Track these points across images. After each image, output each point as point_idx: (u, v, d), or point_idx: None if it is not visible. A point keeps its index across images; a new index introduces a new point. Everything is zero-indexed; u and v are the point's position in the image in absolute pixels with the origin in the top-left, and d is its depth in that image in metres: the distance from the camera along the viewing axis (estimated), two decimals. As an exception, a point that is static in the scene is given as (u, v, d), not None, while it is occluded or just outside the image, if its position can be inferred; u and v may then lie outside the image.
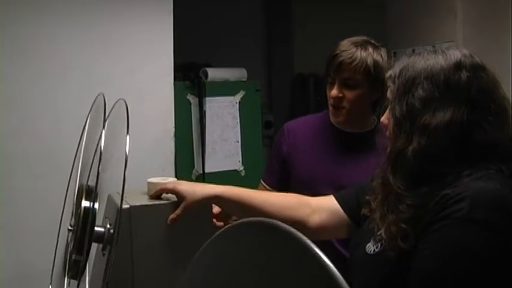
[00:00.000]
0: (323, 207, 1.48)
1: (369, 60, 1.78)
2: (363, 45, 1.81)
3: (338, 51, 1.80)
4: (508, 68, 2.78)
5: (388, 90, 1.23)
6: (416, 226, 1.08)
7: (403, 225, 1.09)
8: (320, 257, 0.62)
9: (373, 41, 1.85)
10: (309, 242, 0.65)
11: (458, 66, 1.15)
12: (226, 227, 0.79)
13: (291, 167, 1.95)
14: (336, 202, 1.48)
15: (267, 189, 1.99)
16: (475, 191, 1.03)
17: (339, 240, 1.68)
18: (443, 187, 1.07)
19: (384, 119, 1.27)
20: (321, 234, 1.47)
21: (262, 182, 2.04)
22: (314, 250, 0.63)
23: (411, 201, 1.10)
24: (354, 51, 1.79)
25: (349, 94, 1.81)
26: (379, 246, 1.16)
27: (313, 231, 1.44)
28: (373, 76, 1.79)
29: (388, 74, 1.23)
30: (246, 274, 0.72)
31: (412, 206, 1.09)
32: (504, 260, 1.00)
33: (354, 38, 1.85)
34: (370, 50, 1.80)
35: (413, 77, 1.16)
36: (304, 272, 0.64)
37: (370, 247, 1.19)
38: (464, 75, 1.13)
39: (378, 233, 1.16)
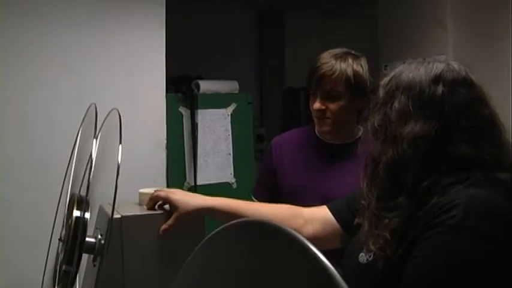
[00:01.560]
0: (316, 217, 1.48)
1: (349, 71, 1.80)
2: (342, 57, 1.84)
3: (318, 64, 1.83)
4: (499, 79, 2.79)
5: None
6: (405, 236, 1.08)
7: (390, 238, 1.09)
8: (319, 258, 0.61)
9: (353, 52, 1.88)
10: (303, 239, 0.65)
11: (436, 80, 1.15)
12: (218, 228, 0.78)
13: (278, 179, 1.97)
14: (329, 212, 1.47)
15: None
16: (467, 198, 1.03)
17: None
18: (425, 196, 1.07)
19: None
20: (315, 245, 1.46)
21: (253, 198, 2.06)
22: (312, 249, 0.63)
23: (394, 215, 1.10)
24: (334, 63, 1.81)
25: (332, 105, 1.83)
26: (372, 255, 1.15)
27: (306, 241, 1.43)
28: (354, 86, 1.81)
29: (382, 81, 1.24)
30: (241, 275, 0.71)
31: (396, 219, 1.09)
32: (498, 267, 1.00)
33: (334, 50, 1.87)
34: (350, 61, 1.83)
35: (395, 88, 1.18)
36: (299, 271, 0.64)
37: (363, 256, 1.18)
38: (439, 89, 1.14)
39: (371, 242, 1.16)
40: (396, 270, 1.07)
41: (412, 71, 1.19)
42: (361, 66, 1.85)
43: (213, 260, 0.77)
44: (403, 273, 1.05)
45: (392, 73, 1.23)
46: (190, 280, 0.81)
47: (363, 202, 1.22)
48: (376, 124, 1.19)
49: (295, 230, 1.42)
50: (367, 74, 1.85)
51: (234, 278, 0.72)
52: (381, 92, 1.22)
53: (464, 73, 1.18)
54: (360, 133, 1.91)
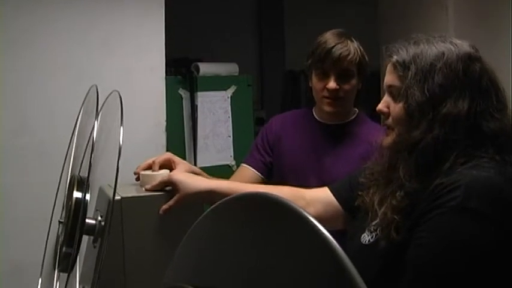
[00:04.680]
0: (318, 199, 1.48)
1: (359, 52, 1.83)
2: (349, 37, 1.85)
3: (333, 44, 1.81)
4: (500, 62, 2.78)
5: (394, 77, 1.20)
6: (409, 216, 1.08)
7: (396, 217, 1.09)
8: (320, 231, 0.61)
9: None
10: (304, 212, 0.65)
11: (470, 56, 1.15)
12: (218, 202, 0.77)
13: (275, 156, 1.97)
14: (330, 194, 1.47)
15: (248, 170, 1.98)
16: (469, 179, 1.03)
17: None
18: (437, 176, 1.07)
19: (382, 106, 1.24)
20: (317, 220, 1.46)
21: (244, 165, 2.02)
22: (312, 221, 0.62)
23: (409, 188, 1.09)
24: (348, 43, 1.82)
25: (345, 85, 1.84)
26: (374, 236, 1.16)
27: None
28: (363, 67, 1.85)
29: (394, 59, 1.19)
30: (241, 247, 0.71)
31: (408, 194, 1.09)
32: (498, 249, 1.00)
33: (336, 31, 1.88)
34: (355, 41, 1.85)
35: (430, 62, 1.14)
36: (300, 243, 0.64)
37: (365, 237, 1.19)
38: (477, 66, 1.14)
39: (373, 223, 1.17)
40: (398, 251, 1.08)
41: (439, 47, 1.16)
42: (361, 47, 1.87)
43: (214, 233, 0.77)
44: (406, 254, 1.06)
45: (410, 50, 1.18)
46: (191, 252, 0.81)
47: (370, 183, 1.22)
48: (418, 101, 1.13)
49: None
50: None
51: (235, 250, 0.72)
52: (404, 70, 1.17)
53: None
54: (355, 114, 1.96)
